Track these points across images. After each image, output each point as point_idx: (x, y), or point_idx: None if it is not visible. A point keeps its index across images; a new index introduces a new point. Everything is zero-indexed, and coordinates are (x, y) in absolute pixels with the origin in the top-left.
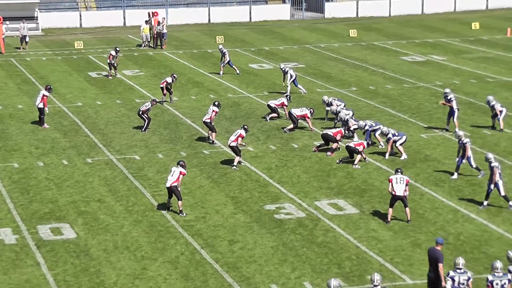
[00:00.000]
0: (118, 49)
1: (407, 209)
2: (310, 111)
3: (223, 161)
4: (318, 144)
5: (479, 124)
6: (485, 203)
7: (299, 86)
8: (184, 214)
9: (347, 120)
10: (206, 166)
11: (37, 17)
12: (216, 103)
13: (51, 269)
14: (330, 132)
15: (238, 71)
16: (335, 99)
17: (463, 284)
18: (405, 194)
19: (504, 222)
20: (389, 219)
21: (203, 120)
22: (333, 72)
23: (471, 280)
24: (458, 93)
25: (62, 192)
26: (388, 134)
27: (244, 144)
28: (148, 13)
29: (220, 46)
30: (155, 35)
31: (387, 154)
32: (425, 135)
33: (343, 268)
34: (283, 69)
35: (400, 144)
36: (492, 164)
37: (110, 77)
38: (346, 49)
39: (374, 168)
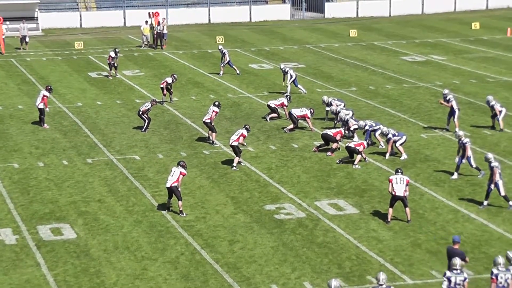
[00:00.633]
0: (117, 50)
1: (407, 209)
2: (310, 111)
3: (223, 161)
4: (318, 144)
5: (479, 124)
6: (485, 203)
7: (299, 86)
8: (184, 214)
9: (347, 120)
10: (206, 166)
11: (37, 17)
12: (217, 103)
13: (51, 270)
14: (330, 132)
15: (238, 71)
16: (334, 99)
17: (459, 284)
18: (405, 194)
19: (504, 222)
20: (389, 219)
21: (203, 120)
22: (333, 72)
23: (467, 280)
24: (458, 93)
25: (62, 192)
26: (388, 134)
27: (245, 144)
28: (149, 13)
29: (220, 46)
30: (155, 35)
31: (387, 154)
32: (425, 135)
33: (343, 268)
34: (283, 69)
35: (400, 144)
36: (492, 164)
37: (110, 78)
38: (346, 49)
39: (374, 168)
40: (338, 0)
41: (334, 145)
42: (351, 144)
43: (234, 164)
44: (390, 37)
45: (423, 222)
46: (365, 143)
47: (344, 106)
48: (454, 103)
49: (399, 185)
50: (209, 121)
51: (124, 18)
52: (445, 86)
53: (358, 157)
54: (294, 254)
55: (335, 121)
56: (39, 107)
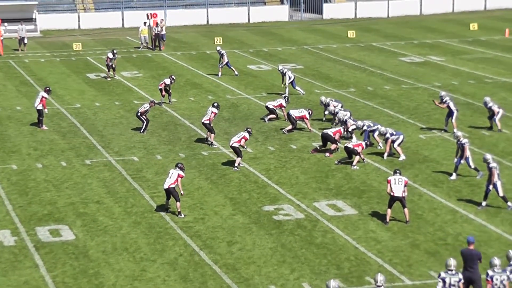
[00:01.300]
0: (115, 51)
1: (406, 209)
2: (309, 112)
3: (222, 163)
4: (316, 146)
5: (477, 125)
6: (484, 203)
7: (297, 87)
8: (183, 215)
9: (346, 120)
10: (204, 168)
11: (35, 18)
12: (215, 104)
13: (50, 271)
14: (330, 131)
15: (236, 72)
16: (332, 100)
17: (454, 285)
18: (403, 195)
19: (503, 222)
20: (387, 220)
21: (202, 121)
22: (332, 73)
23: (462, 281)
24: (456, 94)
25: (61, 193)
26: (386, 134)
27: (245, 146)
28: (147, 14)
29: (219, 48)
30: (154, 37)
31: (385, 155)
32: (423, 136)
33: (342, 269)
34: (281, 70)
35: (398, 145)
36: (491, 165)
37: (109, 79)
38: (344, 50)
39: (372, 169)
40: (336, 1)
41: (332, 146)
42: (350, 145)
43: (236, 164)
44: (388, 38)
45: (422, 223)
46: (363, 143)
47: (341, 107)
48: (451, 104)
49: (398, 186)
50: (207, 122)
51: (122, 20)
52: (444, 87)
53: (357, 158)
54: (293, 255)
55: (333, 122)
56: (37, 108)
